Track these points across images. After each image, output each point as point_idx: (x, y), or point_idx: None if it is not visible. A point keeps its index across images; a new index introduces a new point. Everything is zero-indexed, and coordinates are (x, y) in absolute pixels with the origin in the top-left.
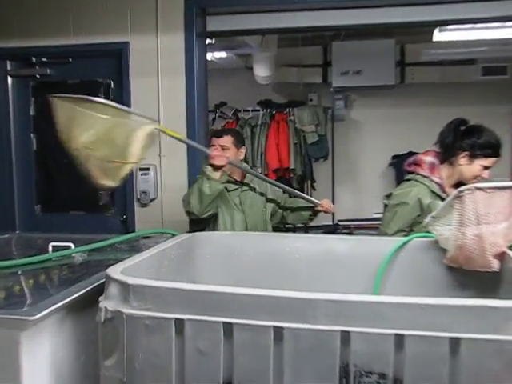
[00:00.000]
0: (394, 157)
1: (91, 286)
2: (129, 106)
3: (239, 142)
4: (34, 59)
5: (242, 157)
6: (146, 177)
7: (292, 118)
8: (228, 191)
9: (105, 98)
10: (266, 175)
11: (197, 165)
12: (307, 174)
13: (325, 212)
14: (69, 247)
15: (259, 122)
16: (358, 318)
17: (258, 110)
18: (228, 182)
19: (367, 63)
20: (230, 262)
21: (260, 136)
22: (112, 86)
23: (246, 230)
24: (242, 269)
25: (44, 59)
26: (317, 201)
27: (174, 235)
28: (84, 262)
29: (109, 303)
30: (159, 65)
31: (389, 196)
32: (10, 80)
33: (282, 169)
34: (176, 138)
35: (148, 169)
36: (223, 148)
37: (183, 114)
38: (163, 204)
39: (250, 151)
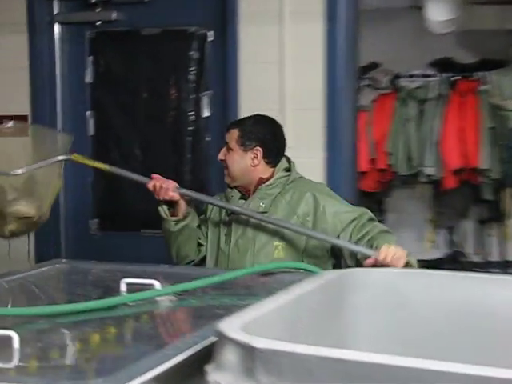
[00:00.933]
0: None
1: (193, 349)
2: (234, 71)
3: (250, 139)
4: None
5: (256, 162)
6: None
7: (486, 87)
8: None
9: (199, 57)
10: (441, 179)
11: (342, 160)
12: (509, 177)
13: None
14: (151, 286)
15: (432, 95)
16: None
17: (431, 76)
18: (233, 187)
19: None
20: (398, 315)
21: (433, 116)
22: (210, 38)
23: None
24: (417, 325)
25: None
26: (370, 251)
27: (311, 272)
28: (175, 308)
29: (223, 376)
30: (284, 6)
31: None
32: (57, 28)
33: (467, 169)
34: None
35: None
36: (227, 148)
37: (319, 81)
38: None
39: (416, 141)
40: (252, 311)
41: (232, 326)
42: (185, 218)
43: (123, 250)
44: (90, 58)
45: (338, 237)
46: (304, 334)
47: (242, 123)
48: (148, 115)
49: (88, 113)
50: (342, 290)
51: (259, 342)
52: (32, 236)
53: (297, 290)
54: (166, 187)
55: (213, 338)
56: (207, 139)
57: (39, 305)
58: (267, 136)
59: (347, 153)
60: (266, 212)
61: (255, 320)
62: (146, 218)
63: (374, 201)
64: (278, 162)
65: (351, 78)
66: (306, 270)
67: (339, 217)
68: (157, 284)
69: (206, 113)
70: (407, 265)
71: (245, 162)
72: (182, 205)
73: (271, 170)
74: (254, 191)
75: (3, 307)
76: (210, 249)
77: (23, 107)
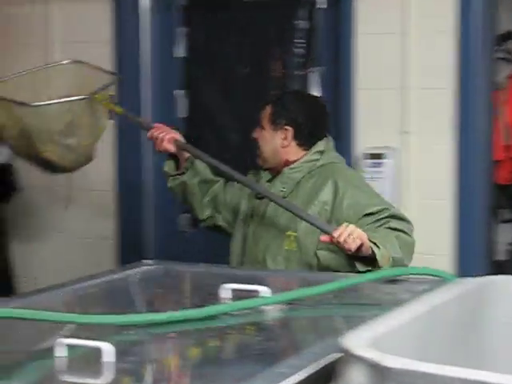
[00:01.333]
0: None
1: (311, 368)
2: (348, 44)
3: (281, 117)
4: None
5: (286, 143)
6: (379, 170)
7: None
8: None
9: (307, 27)
10: None
11: (476, 148)
12: None
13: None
14: (256, 293)
15: None
16: None
17: None
18: (265, 169)
19: None
20: None
21: None
22: (321, 5)
23: (242, 256)
24: None
25: None
26: (329, 227)
27: (446, 279)
28: (286, 319)
29: None
30: None
31: None
32: None
33: None
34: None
35: (382, 156)
36: (260, 127)
37: (449, 55)
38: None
39: None
40: (381, 324)
41: (359, 341)
42: (182, 173)
43: (217, 250)
44: (182, 30)
45: None
46: (438, 350)
47: (276, 100)
48: (247, 94)
49: (179, 92)
50: (482, 301)
51: (392, 361)
52: (115, 233)
53: (431, 300)
54: (162, 138)
55: (335, 355)
56: None
57: (128, 312)
58: (300, 115)
59: (482, 139)
60: (285, 197)
61: (385, 334)
62: None
63: (508, 195)
64: (312, 145)
65: (488, 51)
66: (437, 275)
67: (354, 208)
68: (263, 290)
69: (314, 92)
70: (366, 252)
71: (275, 142)
72: (181, 160)
73: (303, 152)
74: (278, 174)
75: (88, 314)
76: (237, 231)
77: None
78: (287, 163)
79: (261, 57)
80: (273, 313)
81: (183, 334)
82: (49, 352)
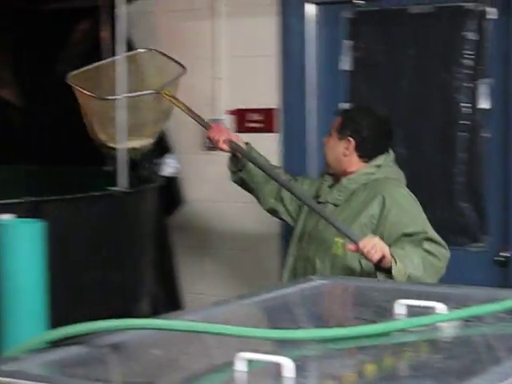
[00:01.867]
0: None
1: None
2: None
3: (347, 128)
4: None
5: (347, 153)
6: None
7: None
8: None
9: (476, 38)
10: None
11: None
12: None
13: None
14: (432, 309)
15: None
16: None
17: None
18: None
19: None
20: None
21: None
22: (491, 16)
23: (295, 262)
24: None
25: None
26: (355, 236)
27: None
28: (464, 337)
29: None
30: None
31: None
32: (310, 9)
33: None
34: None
35: None
36: (330, 133)
37: None
38: None
39: None
40: None
41: None
42: (239, 170)
43: None
44: (348, 42)
45: (390, 246)
46: None
47: (347, 111)
48: (413, 107)
49: (344, 105)
50: None
51: None
52: (280, 247)
53: None
54: (217, 139)
55: None
56: (484, 135)
57: (304, 327)
58: (364, 129)
59: None
60: (338, 205)
61: None
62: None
63: None
64: (372, 159)
65: None
66: None
67: (395, 227)
68: (439, 307)
69: (483, 104)
70: (386, 265)
71: (338, 150)
72: (238, 157)
73: (362, 164)
74: (337, 183)
75: (264, 329)
76: (297, 225)
77: (270, 99)
78: (346, 173)
79: (427, 69)
80: (449, 330)
81: (358, 350)
82: (228, 366)
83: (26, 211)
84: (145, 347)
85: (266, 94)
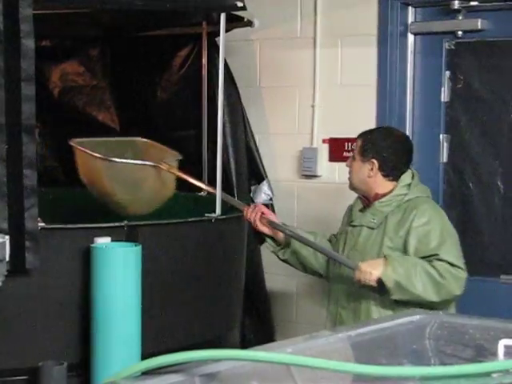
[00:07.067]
0: None
1: None
2: None
3: (369, 150)
4: (456, 3)
5: (372, 174)
6: None
7: None
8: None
9: None
10: None
11: None
12: None
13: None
14: None
15: None
16: None
17: None
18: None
19: None
20: None
21: None
22: None
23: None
24: None
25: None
26: (351, 264)
27: None
28: None
29: None
30: None
31: None
32: (410, 39)
33: None
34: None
35: None
36: (353, 157)
37: None
38: None
39: None
40: None
41: None
42: (288, 244)
43: (476, 299)
44: (448, 73)
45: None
46: None
47: (367, 134)
48: None
49: (442, 136)
50: None
51: None
52: None
53: None
54: (254, 219)
55: None
56: None
57: (403, 364)
58: (385, 149)
59: None
60: (373, 228)
61: None
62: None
63: None
64: (398, 177)
65: None
66: None
67: (418, 247)
68: None
69: None
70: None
71: (362, 173)
72: (278, 235)
73: (390, 184)
74: (369, 206)
75: (360, 364)
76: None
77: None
78: (377, 196)
79: None
80: None
81: None
82: None
83: (121, 235)
84: (242, 378)
85: (365, 123)
